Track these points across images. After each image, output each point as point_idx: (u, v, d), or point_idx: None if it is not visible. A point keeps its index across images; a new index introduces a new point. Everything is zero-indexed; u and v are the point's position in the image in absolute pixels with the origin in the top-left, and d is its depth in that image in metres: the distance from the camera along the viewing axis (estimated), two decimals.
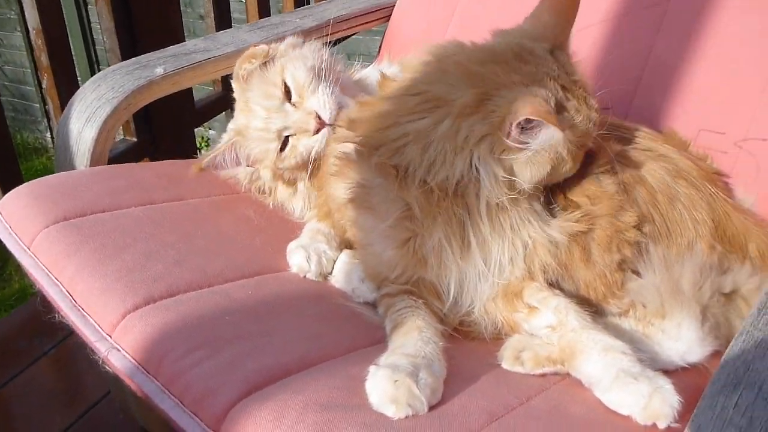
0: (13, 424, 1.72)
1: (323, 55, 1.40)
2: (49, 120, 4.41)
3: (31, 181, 1.34)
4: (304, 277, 1.25)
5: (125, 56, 1.94)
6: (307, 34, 1.71)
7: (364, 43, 3.17)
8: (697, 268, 1.10)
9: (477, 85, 1.03)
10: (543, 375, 1.04)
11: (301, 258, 1.25)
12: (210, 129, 4.20)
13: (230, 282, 1.18)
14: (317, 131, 1.32)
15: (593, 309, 1.11)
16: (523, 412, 0.94)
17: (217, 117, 2.55)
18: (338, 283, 1.25)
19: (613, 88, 1.15)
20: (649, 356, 1.05)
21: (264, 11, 2.41)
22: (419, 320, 1.06)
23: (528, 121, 0.97)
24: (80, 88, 1.48)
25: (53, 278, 1.16)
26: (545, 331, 1.07)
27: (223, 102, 2.27)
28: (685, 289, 1.09)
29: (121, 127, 2.06)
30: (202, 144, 4.16)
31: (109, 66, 1.63)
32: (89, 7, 3.88)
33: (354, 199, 1.16)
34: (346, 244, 1.30)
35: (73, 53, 2.14)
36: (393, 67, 1.54)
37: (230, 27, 2.32)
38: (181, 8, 2.26)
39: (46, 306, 1.18)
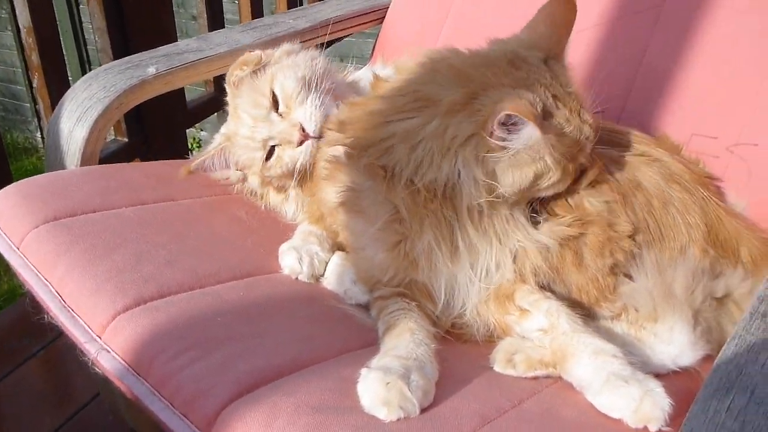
0: (2, 425, 1.71)
1: (317, 65, 1.39)
2: (39, 120, 4.38)
3: (20, 181, 1.33)
4: (296, 278, 1.24)
5: (117, 56, 1.93)
6: (300, 35, 1.71)
7: (357, 46, 3.17)
8: (689, 272, 1.10)
9: (466, 85, 1.03)
10: (535, 378, 1.04)
11: (293, 259, 1.24)
12: (202, 130, 4.19)
13: (222, 283, 1.18)
14: (300, 143, 1.31)
15: (585, 312, 1.12)
16: (515, 416, 0.94)
17: (209, 118, 2.54)
18: (330, 285, 1.24)
19: (606, 91, 1.15)
20: (641, 360, 1.05)
21: (257, 12, 2.41)
22: (411, 322, 1.06)
23: (509, 117, 0.96)
24: (71, 88, 1.47)
25: (42, 279, 1.15)
26: (537, 333, 1.07)
27: (215, 103, 2.26)
28: (678, 293, 1.09)
29: (112, 128, 2.05)
30: (194, 145, 4.14)
31: (100, 66, 1.62)
32: (81, 6, 3.87)
33: (344, 203, 1.16)
34: (338, 246, 1.30)
35: (64, 53, 2.13)
36: (387, 68, 1.54)
37: (223, 27, 2.31)
38: (174, 8, 2.25)
39: (36, 307, 1.17)
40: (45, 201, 1.26)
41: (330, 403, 0.91)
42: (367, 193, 1.11)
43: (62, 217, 1.24)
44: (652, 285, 1.11)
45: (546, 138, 1.00)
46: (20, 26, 1.95)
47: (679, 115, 1.45)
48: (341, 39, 1.91)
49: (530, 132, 0.98)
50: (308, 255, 1.25)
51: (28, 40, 1.91)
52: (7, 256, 1.21)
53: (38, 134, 4.60)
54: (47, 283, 1.14)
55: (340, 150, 1.15)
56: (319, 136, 1.31)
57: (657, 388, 0.94)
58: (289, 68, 1.37)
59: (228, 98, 1.43)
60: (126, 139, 2.12)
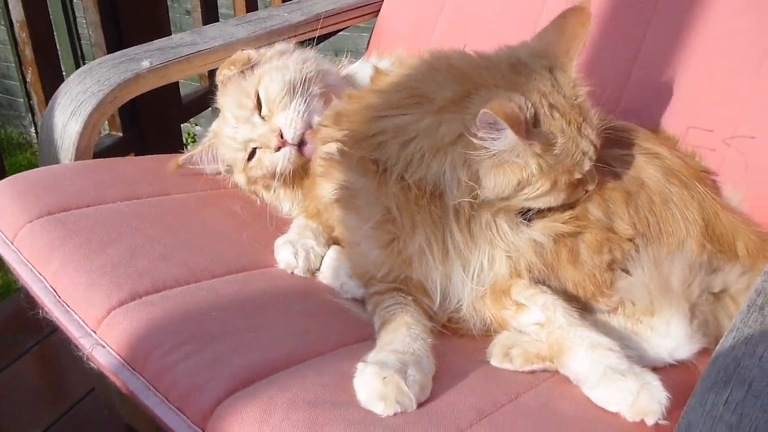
0: None
1: (307, 68, 1.37)
2: (33, 115, 4.36)
3: (13, 176, 1.32)
4: (292, 273, 1.24)
5: (111, 50, 1.91)
6: (294, 28, 1.70)
7: (351, 40, 3.16)
8: (686, 265, 1.10)
9: (461, 84, 1.03)
10: (532, 372, 1.04)
11: (288, 254, 1.24)
12: (196, 125, 4.17)
13: (217, 278, 1.17)
14: (278, 149, 1.31)
15: (581, 306, 1.11)
16: (512, 409, 0.94)
17: (204, 113, 2.53)
18: (326, 279, 1.24)
19: (602, 84, 1.14)
20: (638, 353, 1.05)
21: (251, 5, 2.40)
22: (408, 317, 1.05)
23: (488, 117, 0.94)
24: (65, 81, 1.46)
25: (37, 273, 1.14)
26: (533, 328, 1.07)
27: (209, 97, 2.24)
28: (675, 286, 1.09)
29: (106, 122, 2.04)
30: (189, 140, 4.13)
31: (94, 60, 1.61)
32: (74, 0, 3.85)
33: (339, 200, 1.16)
34: (334, 241, 1.29)
35: (58, 47, 2.12)
36: (383, 61, 1.53)
37: (217, 21, 2.29)
38: (168, 3, 2.24)
39: (30, 302, 1.16)
40: (39, 196, 1.25)
41: (326, 398, 0.90)
42: (360, 192, 1.11)
43: (56, 211, 1.23)
44: (649, 279, 1.10)
45: (526, 144, 0.98)
46: (13, 21, 1.94)
47: (676, 107, 1.45)
48: (336, 33, 1.90)
49: (509, 137, 0.96)
50: (304, 249, 1.25)
51: (22, 34, 1.90)
52: (1, 251, 1.20)
53: (32, 129, 4.58)
54: (42, 278, 1.14)
55: (333, 147, 1.14)
56: (299, 144, 1.31)
57: (654, 381, 0.94)
58: (277, 71, 1.36)
59: (217, 96, 1.42)
60: (120, 134, 2.11)
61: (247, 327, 1.05)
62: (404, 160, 1.03)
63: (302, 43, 1.55)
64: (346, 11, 1.83)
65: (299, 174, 1.35)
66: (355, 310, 1.16)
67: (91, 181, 1.33)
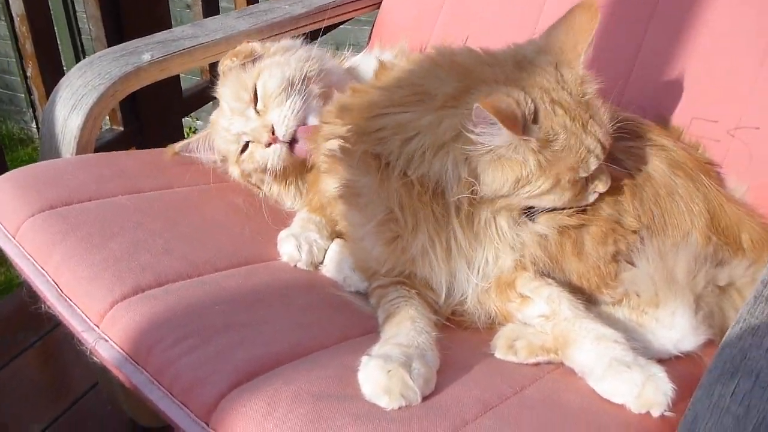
0: None
1: (309, 66, 1.36)
2: (34, 110, 4.36)
3: (15, 170, 1.32)
4: (295, 266, 1.24)
5: (112, 44, 1.90)
6: (296, 20, 1.69)
7: (353, 33, 3.14)
8: (691, 257, 1.10)
9: (462, 80, 1.02)
10: (536, 364, 1.03)
11: (291, 247, 1.23)
12: (197, 119, 4.16)
13: (220, 271, 1.17)
14: (268, 145, 1.30)
15: (586, 298, 1.11)
16: (517, 402, 0.93)
17: (205, 107, 2.52)
18: (329, 273, 1.23)
19: (605, 76, 1.13)
20: (643, 345, 1.04)
21: None
22: (412, 310, 1.05)
23: (481, 112, 0.93)
24: (66, 75, 1.45)
25: (39, 268, 1.14)
26: (538, 320, 1.06)
27: (210, 91, 2.24)
28: (680, 278, 1.09)
29: (108, 116, 2.03)
30: (190, 134, 4.12)
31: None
32: None
33: (342, 196, 1.15)
34: (337, 234, 1.29)
35: (58, 42, 2.11)
36: (385, 54, 1.52)
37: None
38: None
39: (33, 296, 1.16)
40: (40, 190, 1.25)
41: (330, 391, 0.90)
42: (363, 190, 1.10)
43: (58, 205, 1.23)
44: (654, 270, 1.10)
45: (521, 140, 0.97)
46: (13, 15, 1.93)
47: (680, 98, 1.44)
48: (337, 26, 1.89)
49: (502, 132, 0.95)
50: (307, 242, 1.24)
51: (22, 29, 1.89)
52: (2, 245, 1.20)
53: (33, 125, 4.58)
54: (44, 272, 1.13)
55: (335, 144, 1.14)
56: (291, 141, 1.31)
57: (660, 373, 0.94)
58: (278, 66, 1.35)
59: (217, 86, 1.42)
60: (121, 128, 2.11)
61: (250, 320, 1.05)
62: (406, 157, 1.02)
63: (305, 36, 1.55)
64: (348, 3, 1.82)
65: (292, 171, 1.35)
66: (358, 303, 1.16)
67: (93, 174, 1.33)
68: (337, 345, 1.04)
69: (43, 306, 1.15)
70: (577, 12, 1.10)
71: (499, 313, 1.10)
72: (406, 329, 1.01)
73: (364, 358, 0.93)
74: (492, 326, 1.11)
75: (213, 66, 1.65)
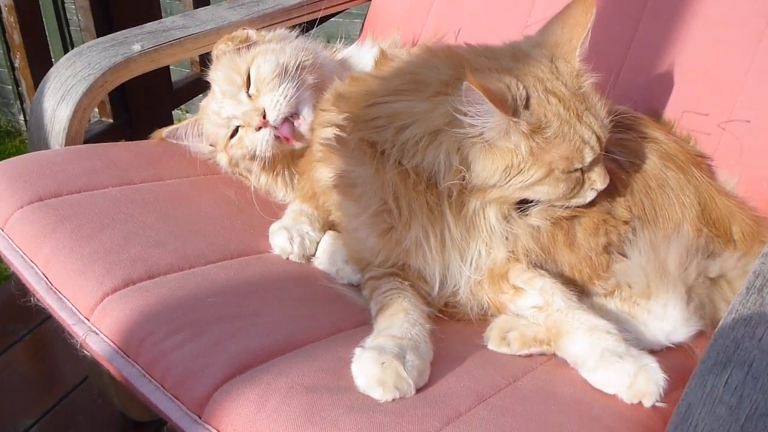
0: None
1: (303, 56, 1.35)
2: (22, 102, 4.31)
3: (2, 161, 1.30)
4: (287, 258, 1.23)
5: (101, 35, 1.89)
6: (288, 11, 1.68)
7: (344, 26, 3.13)
8: (683, 248, 1.10)
9: (456, 68, 1.03)
10: (529, 355, 1.03)
11: (283, 239, 1.23)
12: (187, 111, 4.14)
13: (211, 263, 1.16)
14: (259, 129, 1.30)
15: (578, 289, 1.11)
16: (511, 393, 0.94)
17: (195, 100, 2.51)
18: (322, 265, 1.23)
19: (597, 70, 1.13)
20: (635, 336, 1.05)
21: None
22: (405, 302, 1.05)
23: (471, 92, 0.93)
24: (55, 65, 1.44)
25: (28, 260, 1.13)
26: (531, 311, 1.06)
27: (200, 83, 2.21)
28: (671, 269, 1.09)
29: (97, 108, 2.02)
30: None
31: None
32: None
33: (337, 186, 1.15)
34: (329, 226, 1.28)
35: (46, 33, 2.09)
36: (377, 46, 1.52)
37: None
38: None
39: (22, 289, 1.15)
40: (29, 181, 1.24)
41: (324, 383, 0.90)
42: (358, 181, 1.10)
43: (47, 197, 1.22)
44: (646, 262, 1.10)
45: (510, 121, 0.96)
46: (1, 5, 1.91)
47: (671, 92, 1.44)
48: (329, 18, 1.88)
49: (490, 111, 0.94)
50: (299, 235, 1.24)
51: (9, 19, 1.88)
52: None
53: (21, 117, 4.53)
54: (33, 264, 1.12)
55: (330, 132, 1.14)
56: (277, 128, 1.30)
57: (652, 363, 0.94)
58: (272, 53, 1.34)
59: (210, 71, 1.41)
60: (111, 120, 2.09)
61: (243, 313, 1.05)
62: (401, 146, 1.02)
63: (296, 27, 1.54)
64: None
65: (281, 160, 1.35)
66: (351, 295, 1.16)
67: (83, 166, 1.32)
68: (330, 337, 1.04)
69: (32, 299, 1.14)
70: (572, 6, 1.10)
71: (492, 304, 1.11)
72: (399, 321, 1.00)
73: (358, 350, 0.93)
74: (485, 318, 1.11)
75: (203, 57, 1.64)
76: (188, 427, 0.90)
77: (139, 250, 1.14)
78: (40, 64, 1.93)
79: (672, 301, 1.08)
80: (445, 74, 1.03)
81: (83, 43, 1.58)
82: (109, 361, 1.00)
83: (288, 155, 1.34)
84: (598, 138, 1.03)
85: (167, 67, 2.03)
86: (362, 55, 1.50)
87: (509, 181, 1.01)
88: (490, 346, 1.05)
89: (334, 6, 1.81)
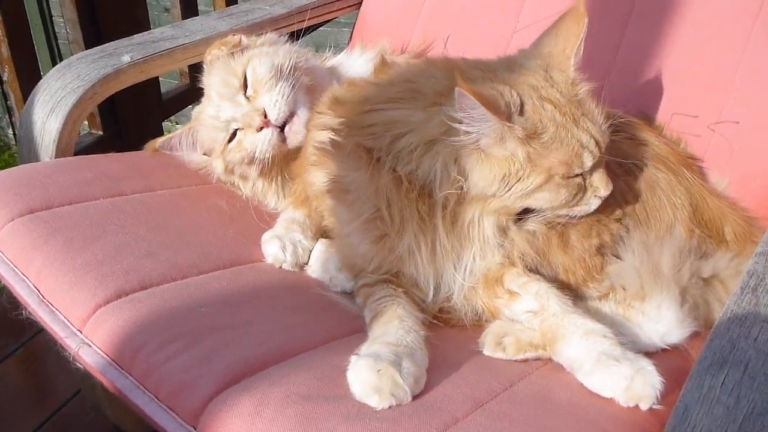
0: None
1: (297, 57, 1.37)
2: (11, 116, 4.29)
3: None
4: (280, 267, 1.23)
5: (89, 48, 1.89)
6: (276, 21, 1.68)
7: (333, 35, 3.13)
8: (676, 250, 1.11)
9: (453, 78, 1.02)
10: (525, 360, 1.03)
11: (276, 248, 1.23)
12: (177, 123, 4.14)
13: (204, 273, 1.16)
14: (260, 129, 1.30)
15: (573, 293, 1.11)
16: (507, 398, 0.93)
17: (185, 111, 2.51)
18: (315, 273, 1.23)
19: (585, 72, 1.13)
20: (630, 339, 1.05)
21: (231, 2, 2.37)
22: (399, 309, 1.05)
23: (463, 98, 0.93)
24: (44, 77, 1.43)
25: (19, 273, 1.12)
26: (526, 316, 1.06)
27: (190, 94, 2.22)
28: (665, 270, 1.09)
29: (86, 121, 2.01)
30: None
31: None
32: None
33: (330, 191, 1.15)
34: (322, 233, 1.28)
35: (35, 46, 2.09)
36: (366, 53, 1.53)
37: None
38: (147, 1, 2.21)
39: (13, 302, 1.14)
40: (19, 194, 1.23)
41: (319, 392, 0.89)
42: (352, 187, 1.10)
43: (38, 209, 1.21)
44: (639, 263, 1.11)
45: (505, 125, 0.96)
46: None
47: (660, 94, 1.45)
48: (317, 27, 1.89)
49: (485, 115, 0.94)
50: (291, 243, 1.24)
51: None
52: None
53: (10, 131, 4.50)
54: (24, 277, 1.12)
55: (325, 136, 1.13)
56: (281, 126, 1.30)
57: (648, 366, 0.94)
58: (267, 55, 1.36)
59: (203, 76, 1.41)
60: (101, 132, 2.09)
61: (236, 323, 1.04)
62: (396, 154, 1.02)
63: (287, 36, 1.55)
64: (329, 3, 1.81)
65: (278, 163, 1.34)
66: (344, 303, 1.15)
67: (73, 178, 1.31)
68: (324, 345, 1.03)
69: (24, 312, 1.13)
70: (564, 18, 1.11)
71: (487, 309, 1.10)
72: (394, 328, 1.00)
73: (353, 358, 0.93)
74: (479, 323, 1.11)
75: (193, 68, 1.64)
76: None
77: (132, 261, 1.13)
78: (29, 78, 1.92)
79: (666, 303, 1.08)
80: (441, 84, 1.03)
81: (71, 55, 1.58)
82: (103, 373, 0.99)
83: (283, 159, 1.34)
84: (597, 142, 1.03)
85: (156, 79, 2.03)
86: (351, 63, 1.51)
87: (509, 189, 1.00)
88: (486, 352, 1.04)
89: (322, 15, 1.82)
